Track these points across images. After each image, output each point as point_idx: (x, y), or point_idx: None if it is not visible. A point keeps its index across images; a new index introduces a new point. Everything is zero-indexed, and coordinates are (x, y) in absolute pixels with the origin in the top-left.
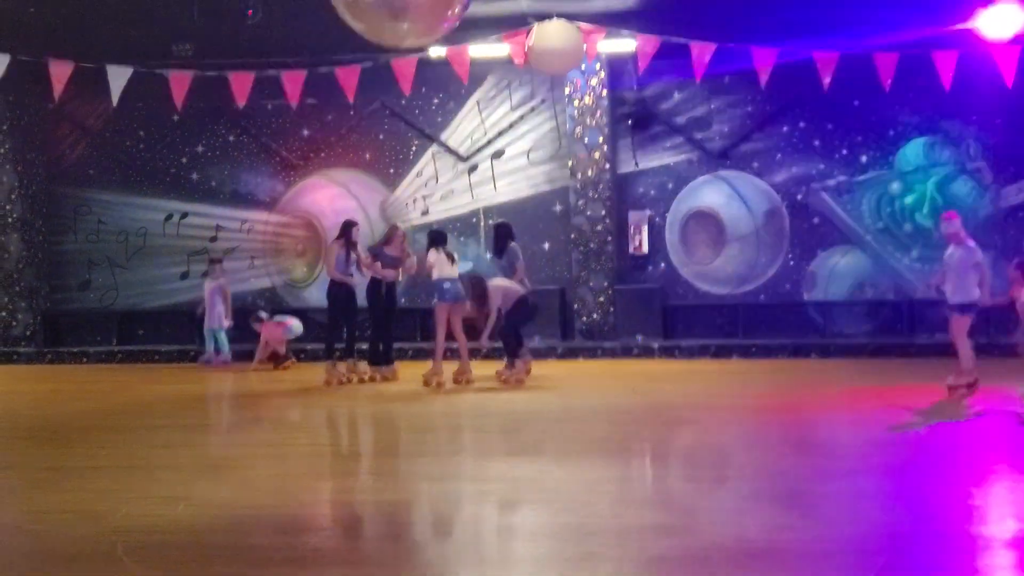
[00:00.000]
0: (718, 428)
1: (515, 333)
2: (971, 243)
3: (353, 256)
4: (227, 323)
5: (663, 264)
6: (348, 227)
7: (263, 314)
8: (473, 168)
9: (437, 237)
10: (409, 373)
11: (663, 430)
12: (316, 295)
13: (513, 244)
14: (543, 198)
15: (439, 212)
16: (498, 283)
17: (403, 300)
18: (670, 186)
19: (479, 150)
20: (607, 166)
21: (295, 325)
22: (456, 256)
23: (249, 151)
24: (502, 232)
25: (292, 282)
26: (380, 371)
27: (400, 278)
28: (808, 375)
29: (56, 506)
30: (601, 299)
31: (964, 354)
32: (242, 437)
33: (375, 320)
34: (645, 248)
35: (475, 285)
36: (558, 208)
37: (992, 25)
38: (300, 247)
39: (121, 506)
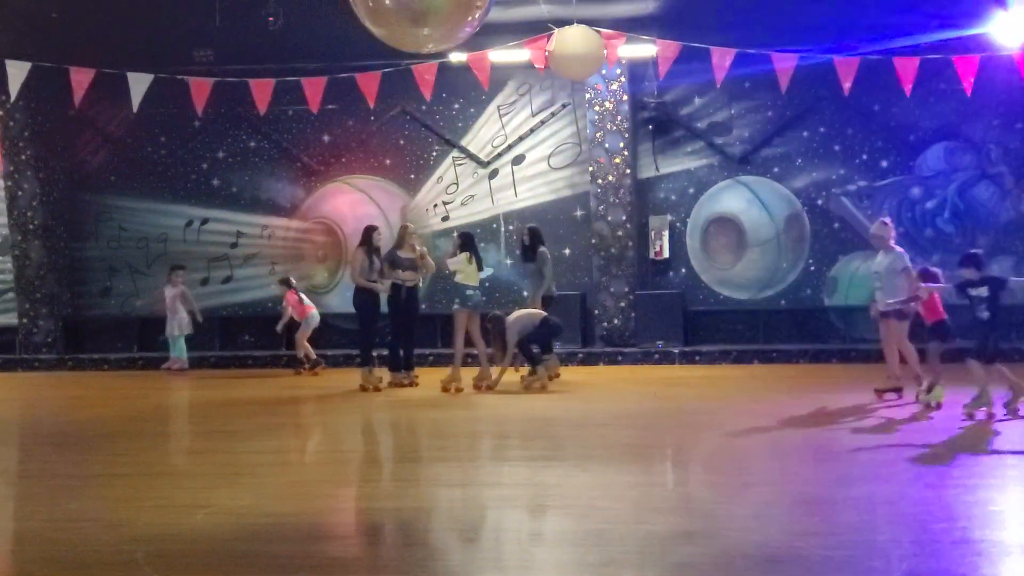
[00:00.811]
0: (739, 433)
1: (542, 342)
2: (898, 249)
3: (376, 262)
4: (188, 329)
5: (684, 269)
6: (370, 232)
7: (293, 280)
8: (493, 173)
9: (470, 242)
10: (430, 379)
11: (684, 435)
12: (336, 301)
13: (543, 249)
14: (564, 203)
15: (459, 218)
16: (516, 316)
17: (423, 306)
18: (691, 191)
19: (499, 155)
20: (628, 171)
21: (314, 315)
22: (483, 263)
23: (270, 157)
24: (534, 236)
25: (312, 288)
26: (400, 377)
27: (419, 281)
28: (829, 381)
29: (77, 514)
30: (622, 304)
31: (911, 359)
32: (263, 443)
33: (395, 325)
34: (666, 253)
35: (495, 325)
36: (579, 213)
37: (1006, 33)
38: (321, 253)
39: (141, 514)
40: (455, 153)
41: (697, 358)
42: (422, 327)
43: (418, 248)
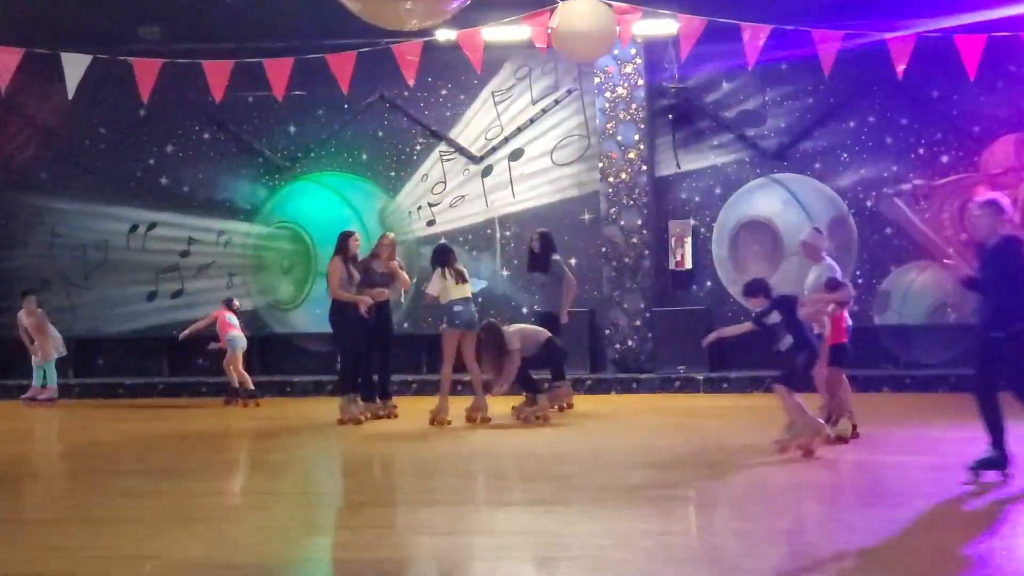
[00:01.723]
0: (773, 474)
1: (542, 367)
2: (828, 261)
3: (355, 274)
4: (55, 354)
5: (709, 282)
6: (345, 239)
7: (236, 303)
8: (487, 171)
9: (441, 256)
10: (413, 410)
11: (709, 476)
12: (303, 319)
13: (557, 257)
14: (569, 205)
15: (447, 222)
16: (516, 329)
17: (405, 324)
18: (717, 191)
19: (494, 150)
20: (644, 168)
21: (236, 336)
22: (467, 273)
23: (227, 151)
24: (547, 243)
25: (277, 303)
26: (375, 407)
27: (394, 297)
28: (879, 412)
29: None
30: (637, 323)
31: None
32: (220, 484)
33: (368, 347)
34: (688, 263)
35: (490, 334)
36: (587, 217)
37: None
38: (286, 263)
39: (79, 566)
40: (442, 147)
41: (725, 386)
42: (406, 350)
43: (391, 262)
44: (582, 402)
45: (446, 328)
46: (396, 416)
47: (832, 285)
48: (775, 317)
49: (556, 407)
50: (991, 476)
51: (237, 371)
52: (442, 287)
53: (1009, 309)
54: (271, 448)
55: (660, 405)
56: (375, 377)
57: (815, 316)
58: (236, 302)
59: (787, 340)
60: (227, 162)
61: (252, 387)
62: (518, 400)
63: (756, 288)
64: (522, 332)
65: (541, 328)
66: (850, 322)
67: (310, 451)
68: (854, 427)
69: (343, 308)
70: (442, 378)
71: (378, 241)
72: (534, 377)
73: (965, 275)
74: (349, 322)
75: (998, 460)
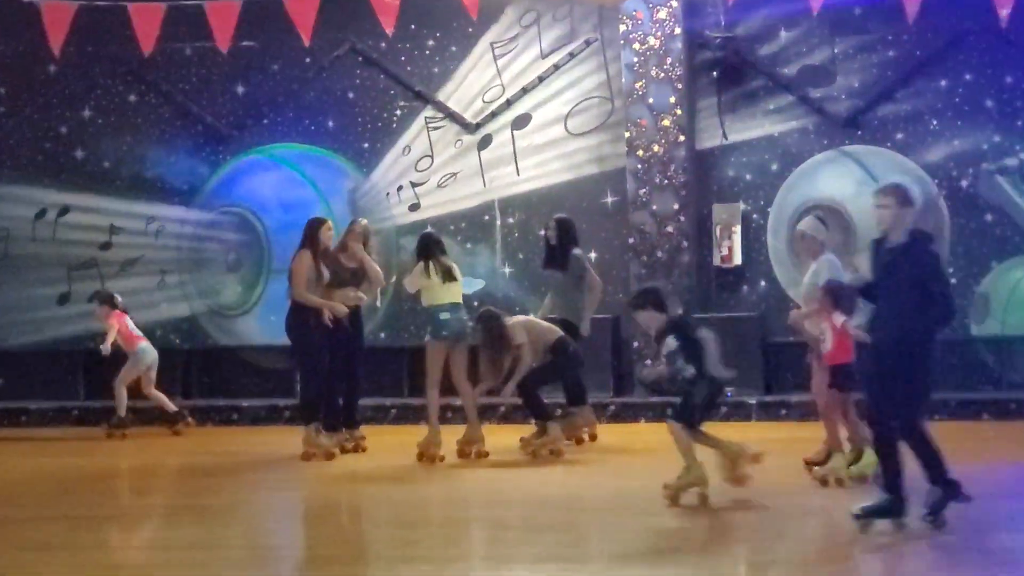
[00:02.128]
0: (840, 523)
1: (574, 383)
2: (828, 256)
3: (325, 272)
4: None
5: (763, 282)
6: (316, 227)
7: (118, 298)
8: (485, 142)
9: (425, 246)
10: (390, 442)
11: (761, 526)
12: (254, 328)
13: (577, 251)
14: (588, 186)
15: (435, 206)
16: (521, 321)
17: (382, 335)
18: (774, 167)
19: (494, 116)
20: (681, 139)
21: (145, 349)
22: (457, 270)
23: (158, 117)
24: (566, 233)
25: (221, 308)
26: (341, 438)
27: (368, 299)
28: (976, 445)
29: None
30: None
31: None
32: (151, 534)
33: (333, 363)
34: (737, 258)
35: (488, 326)
36: (610, 200)
37: None
38: (233, 258)
39: None
40: (429, 112)
41: (783, 412)
42: (383, 367)
43: (368, 255)
44: (605, 432)
45: (431, 340)
46: (365, 449)
47: (832, 290)
48: (671, 343)
49: (573, 439)
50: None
51: (149, 392)
52: (424, 286)
53: (911, 323)
54: (213, 489)
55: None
56: (340, 400)
57: (803, 327)
58: (119, 297)
59: (686, 371)
60: (158, 131)
61: (174, 408)
62: (525, 430)
63: (647, 300)
64: (529, 325)
65: (552, 326)
66: (863, 336)
67: (262, 493)
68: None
69: (305, 314)
70: (428, 402)
71: (347, 229)
72: (545, 400)
73: (862, 280)
74: (313, 332)
75: (891, 507)
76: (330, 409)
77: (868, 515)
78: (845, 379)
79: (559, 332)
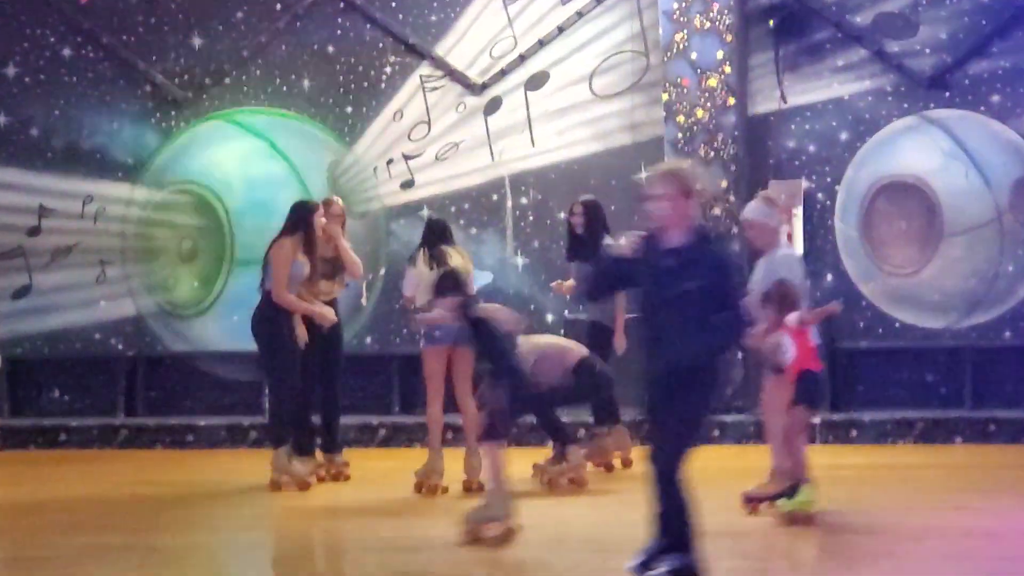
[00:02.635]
0: (927, 569)
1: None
2: (786, 250)
3: (305, 268)
4: None
5: (830, 275)
6: (307, 213)
7: None
8: (493, 106)
9: (428, 232)
10: (379, 469)
11: (828, 571)
12: (214, 331)
13: (610, 240)
14: (618, 159)
15: (433, 183)
16: (536, 344)
17: (368, 340)
18: (843, 137)
19: (504, 74)
20: (731, 102)
21: None
22: (460, 259)
23: (98, 76)
24: (595, 218)
25: (173, 307)
26: (315, 465)
27: (336, 292)
28: None
29: None
30: None
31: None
32: None
33: (306, 375)
34: (799, 246)
35: (480, 331)
36: (644, 176)
37: None
38: (188, 246)
39: None
40: (425, 69)
41: (854, 433)
42: (369, 378)
43: (339, 233)
44: (640, 456)
45: (427, 346)
46: (347, 478)
47: (781, 294)
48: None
49: (601, 465)
50: None
51: None
52: (416, 281)
53: (693, 344)
54: (162, 527)
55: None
56: (316, 419)
57: (762, 337)
58: None
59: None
60: (98, 92)
61: None
62: (540, 455)
63: (447, 284)
64: (540, 349)
65: (573, 344)
66: (817, 340)
67: (222, 533)
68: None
69: (278, 316)
70: (429, 421)
71: (324, 211)
72: (564, 421)
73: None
74: (286, 337)
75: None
76: (304, 429)
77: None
78: (812, 391)
79: (580, 353)
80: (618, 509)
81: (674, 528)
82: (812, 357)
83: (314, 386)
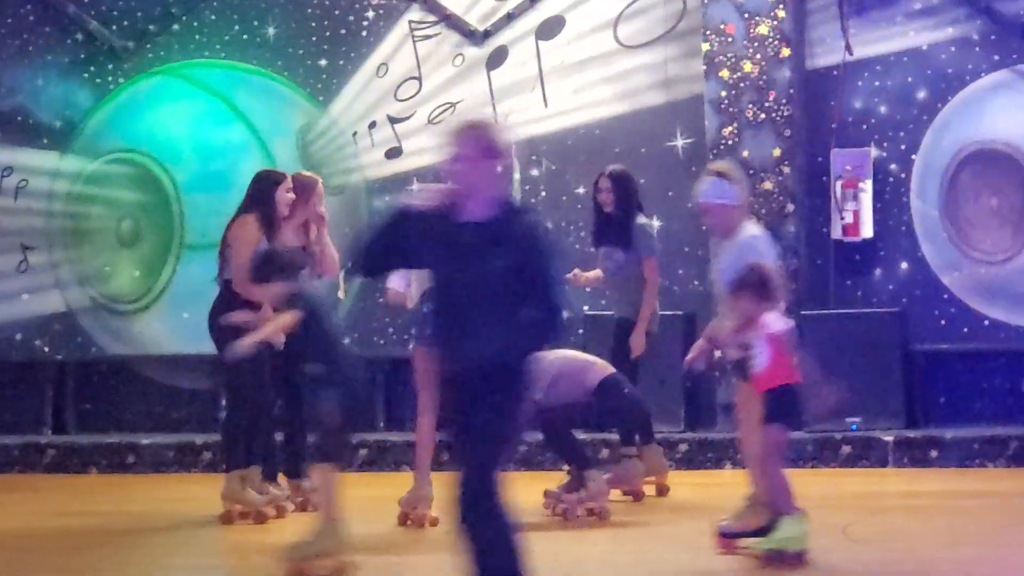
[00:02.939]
0: None
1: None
2: (753, 231)
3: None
4: None
5: (905, 263)
6: (269, 184)
7: None
8: (498, 58)
9: None
10: (357, 497)
11: None
12: (160, 330)
13: (644, 222)
14: (649, 122)
15: (425, 151)
16: (554, 360)
17: (346, 341)
18: (921, 96)
19: (510, 19)
20: (785, 53)
21: None
22: None
23: (20, 22)
24: (626, 193)
25: (110, 301)
26: (277, 494)
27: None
28: None
29: None
30: None
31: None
32: None
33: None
34: (867, 229)
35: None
36: (680, 143)
37: None
38: (128, 226)
39: None
40: (415, 14)
41: (934, 454)
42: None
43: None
44: (676, 481)
45: (418, 345)
46: (316, 508)
47: (755, 280)
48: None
49: (632, 492)
50: None
51: None
52: (406, 272)
53: (500, 340)
54: (95, 567)
55: (813, 490)
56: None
57: (727, 338)
58: None
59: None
60: (19, 42)
61: None
62: (553, 480)
63: (271, 267)
64: (556, 368)
65: (596, 360)
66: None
67: (171, 573)
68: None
69: (241, 307)
70: (418, 436)
71: (301, 187)
72: (580, 441)
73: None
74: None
75: None
76: (263, 449)
77: None
78: (788, 409)
79: (605, 371)
80: (643, 545)
81: (492, 572)
82: (788, 368)
83: (274, 395)
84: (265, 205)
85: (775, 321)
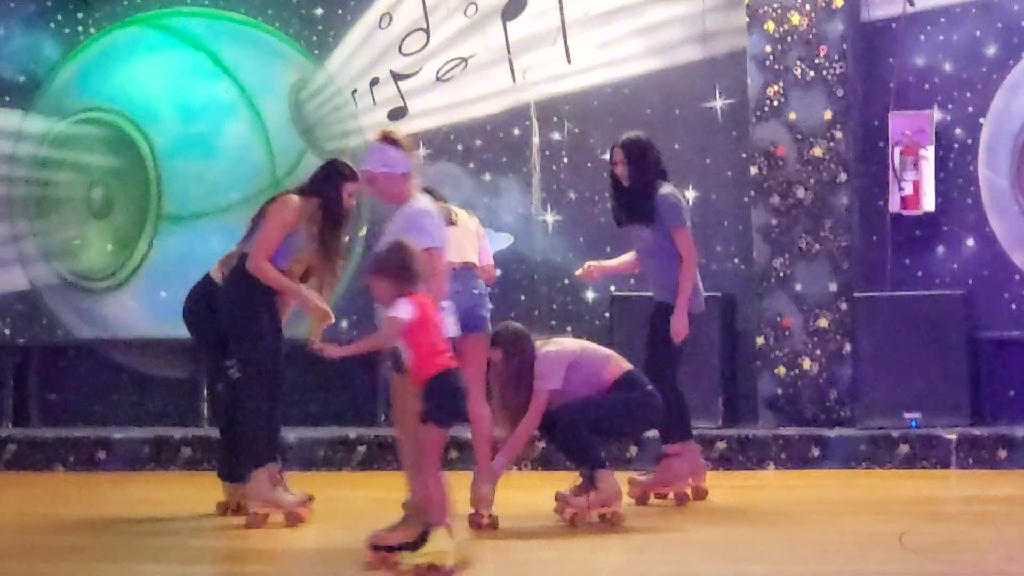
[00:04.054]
0: None
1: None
2: (421, 200)
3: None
4: None
5: (971, 240)
6: (339, 177)
7: None
8: (516, 8)
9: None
10: (355, 500)
11: None
12: (136, 311)
13: (668, 191)
14: (684, 81)
15: (432, 112)
16: (561, 350)
17: (343, 324)
18: (990, 52)
19: None
20: (838, 4)
21: None
22: (465, 216)
23: None
24: (640, 160)
25: (80, 278)
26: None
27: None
28: None
29: None
30: (822, 324)
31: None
32: None
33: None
34: (929, 202)
35: (509, 350)
36: (719, 104)
37: None
38: (99, 194)
39: None
40: None
41: (1002, 454)
42: (346, 378)
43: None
44: (714, 483)
45: (470, 335)
46: (303, 519)
47: (392, 263)
48: None
49: (667, 493)
50: None
51: None
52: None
53: None
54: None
55: (869, 494)
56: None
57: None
58: None
59: None
60: None
61: None
62: (564, 480)
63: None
64: (574, 361)
65: (614, 355)
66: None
67: None
68: None
69: (255, 293)
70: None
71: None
72: (592, 439)
73: None
74: (263, 325)
75: None
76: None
77: None
78: (443, 401)
79: (623, 368)
80: (674, 554)
81: None
82: (434, 356)
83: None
84: (329, 197)
85: (402, 308)
